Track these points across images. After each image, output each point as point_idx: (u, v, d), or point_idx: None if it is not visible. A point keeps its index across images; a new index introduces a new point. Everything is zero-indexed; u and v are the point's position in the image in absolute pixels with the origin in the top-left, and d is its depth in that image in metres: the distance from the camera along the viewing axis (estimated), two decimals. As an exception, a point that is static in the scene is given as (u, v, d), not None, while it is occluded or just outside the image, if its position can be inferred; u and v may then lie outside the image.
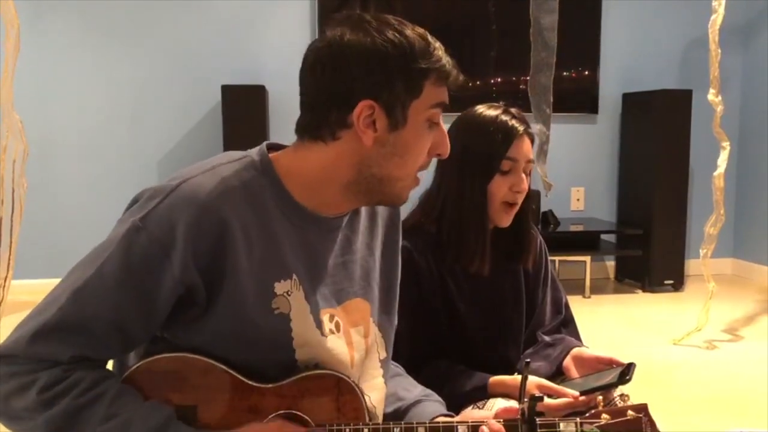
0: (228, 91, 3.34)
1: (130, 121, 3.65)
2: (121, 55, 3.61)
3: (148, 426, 0.79)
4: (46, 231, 3.52)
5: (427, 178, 1.05)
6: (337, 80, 0.82)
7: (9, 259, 2.37)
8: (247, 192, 0.84)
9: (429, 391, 1.06)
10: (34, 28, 3.38)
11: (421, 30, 0.85)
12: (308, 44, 0.87)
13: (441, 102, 0.86)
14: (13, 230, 2.37)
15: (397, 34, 0.82)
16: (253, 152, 0.89)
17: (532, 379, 1.15)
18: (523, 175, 1.24)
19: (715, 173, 2.92)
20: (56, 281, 0.84)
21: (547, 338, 1.33)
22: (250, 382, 0.84)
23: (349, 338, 0.93)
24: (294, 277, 0.86)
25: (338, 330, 0.91)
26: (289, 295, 0.85)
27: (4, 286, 2.36)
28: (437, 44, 0.85)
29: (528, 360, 1.00)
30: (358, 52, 0.81)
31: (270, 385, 0.85)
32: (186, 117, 3.68)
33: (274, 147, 0.92)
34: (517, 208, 1.26)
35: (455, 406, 1.17)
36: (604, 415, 0.90)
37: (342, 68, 0.82)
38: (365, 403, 0.89)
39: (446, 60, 0.85)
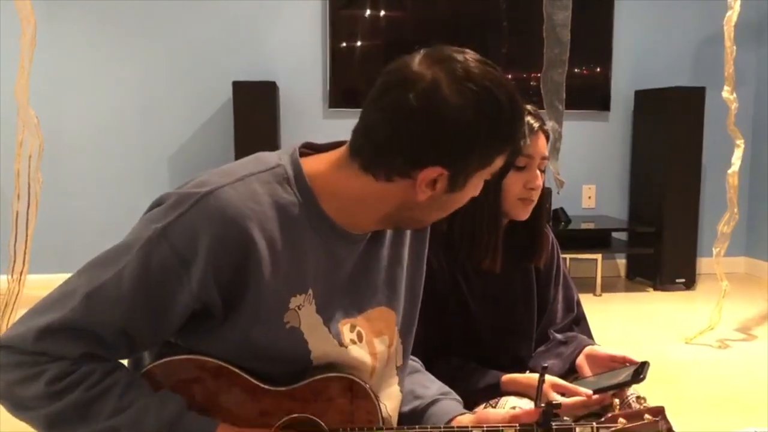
0: (239, 87, 3.35)
1: (142, 118, 3.67)
2: (133, 51, 3.63)
3: (162, 419, 0.78)
4: (58, 226, 3.56)
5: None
6: (419, 136, 0.78)
7: (25, 254, 2.40)
8: (277, 207, 0.81)
9: (447, 389, 1.05)
10: (47, 25, 3.40)
11: (511, 88, 0.80)
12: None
13: (499, 169, 0.85)
14: (29, 225, 2.40)
15: (490, 98, 0.78)
16: (286, 160, 0.85)
17: (546, 378, 1.15)
18: (538, 172, 1.24)
19: (729, 171, 2.90)
20: (68, 276, 0.83)
21: (559, 336, 1.33)
22: (262, 385, 0.84)
23: (373, 348, 0.92)
24: (309, 291, 0.85)
25: (360, 340, 0.90)
26: (300, 309, 0.84)
27: (20, 280, 2.38)
28: (522, 113, 0.83)
29: (545, 365, 1.00)
30: (449, 116, 0.77)
31: (283, 388, 0.85)
32: (197, 113, 3.69)
33: (308, 147, 0.88)
34: (534, 203, 1.26)
35: (468, 404, 1.17)
36: (620, 420, 0.89)
37: (429, 127, 0.77)
38: (380, 408, 0.88)
39: (525, 133, 0.84)
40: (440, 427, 0.90)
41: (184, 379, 0.84)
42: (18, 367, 0.79)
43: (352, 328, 0.89)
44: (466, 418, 0.96)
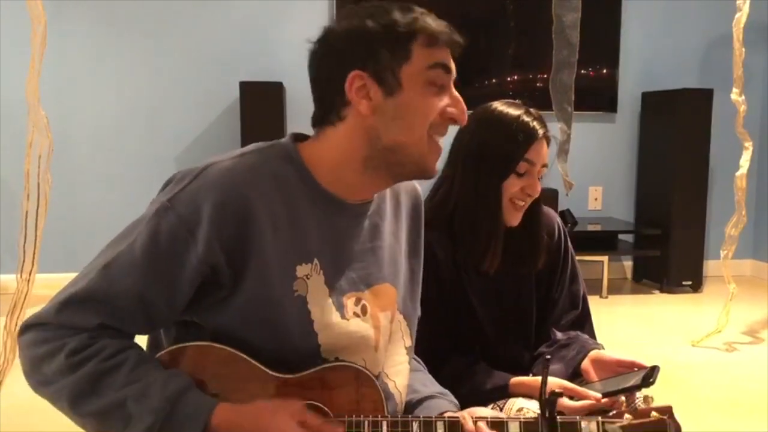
0: (246, 87, 3.37)
1: (150, 118, 3.69)
2: (141, 52, 3.65)
3: (166, 393, 0.81)
4: (67, 226, 3.57)
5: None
6: (327, 64, 0.88)
7: (34, 253, 2.41)
8: (275, 177, 0.87)
9: (446, 391, 1.06)
10: (57, 25, 3.42)
11: (404, 2, 0.88)
12: None
13: (438, 63, 0.86)
14: (38, 225, 2.41)
15: (377, 9, 0.87)
16: (281, 141, 0.92)
17: (555, 381, 1.15)
18: (537, 179, 1.23)
19: (737, 173, 2.89)
20: (76, 275, 0.88)
21: (560, 335, 1.32)
22: (271, 373, 0.86)
23: (377, 322, 0.94)
24: (315, 261, 0.88)
25: (364, 313, 0.92)
26: (308, 279, 0.87)
27: (29, 280, 2.39)
28: (421, 10, 0.88)
29: (548, 356, 1.00)
30: (340, 33, 0.87)
31: (291, 376, 0.86)
32: (204, 113, 3.71)
33: (300, 137, 0.95)
34: (524, 208, 1.25)
35: (475, 404, 1.17)
36: (626, 416, 0.89)
37: (330, 51, 0.88)
38: (384, 391, 0.90)
39: (433, 21, 0.86)
40: (444, 418, 0.90)
41: (194, 366, 0.86)
42: (43, 343, 0.83)
43: (358, 301, 0.92)
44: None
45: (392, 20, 0.85)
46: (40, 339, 0.84)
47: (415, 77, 0.85)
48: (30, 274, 2.39)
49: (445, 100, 0.87)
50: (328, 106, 0.88)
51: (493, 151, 1.21)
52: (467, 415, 0.90)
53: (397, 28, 0.85)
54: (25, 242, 2.38)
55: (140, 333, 0.89)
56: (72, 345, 0.82)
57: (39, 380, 0.84)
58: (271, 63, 3.68)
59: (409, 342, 1.01)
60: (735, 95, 2.86)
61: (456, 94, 0.89)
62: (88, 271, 0.85)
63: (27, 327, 0.86)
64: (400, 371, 0.99)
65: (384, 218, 0.98)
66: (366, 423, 0.87)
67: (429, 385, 1.07)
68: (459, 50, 0.88)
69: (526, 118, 1.22)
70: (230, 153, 0.89)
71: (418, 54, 0.85)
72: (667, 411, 0.90)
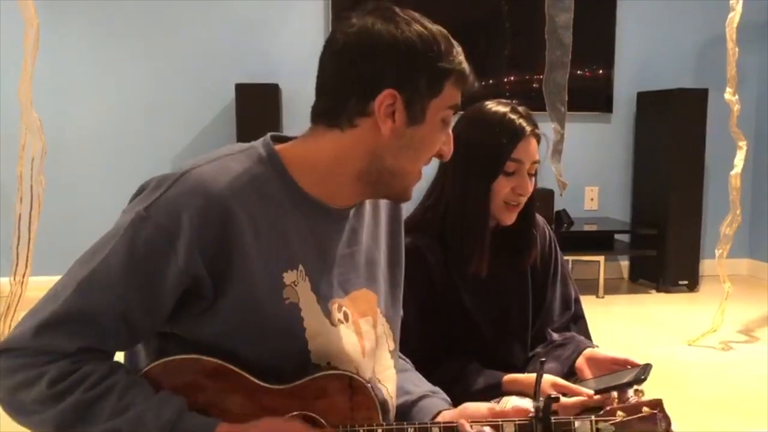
0: (242, 89, 3.36)
1: (144, 120, 3.68)
2: (136, 53, 3.64)
3: (162, 420, 0.78)
4: (61, 228, 3.56)
5: (428, 173, 1.05)
6: (364, 67, 0.83)
7: (27, 256, 2.40)
8: (254, 182, 0.84)
9: (436, 389, 1.06)
10: (50, 27, 3.41)
11: (444, 30, 0.87)
12: (327, 35, 0.89)
13: (456, 104, 0.88)
14: (31, 227, 2.40)
15: (425, 31, 0.84)
16: (258, 144, 0.89)
17: (547, 378, 1.14)
18: (527, 177, 1.22)
19: (732, 173, 2.90)
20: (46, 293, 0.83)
21: (556, 336, 1.32)
22: (262, 384, 0.84)
23: (359, 328, 0.93)
24: (300, 267, 0.86)
25: (347, 320, 0.91)
26: (296, 286, 0.85)
27: (22, 283, 2.39)
28: (459, 48, 0.87)
29: (543, 359, 1.00)
30: (388, 42, 0.82)
31: (282, 386, 0.85)
32: (200, 115, 3.70)
33: (278, 139, 0.92)
34: (519, 208, 1.24)
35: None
36: (619, 413, 0.89)
37: (371, 56, 0.83)
38: (378, 398, 0.89)
39: (466, 63, 0.87)
40: (440, 423, 0.90)
41: (183, 380, 0.83)
42: (19, 371, 0.79)
43: (339, 308, 0.91)
44: (450, 413, 0.97)
45: (439, 51, 0.83)
46: (16, 366, 0.78)
47: (437, 113, 0.86)
48: (24, 277, 2.39)
49: (443, 137, 0.89)
50: (343, 107, 0.84)
51: (479, 152, 1.20)
52: (464, 421, 0.89)
53: (441, 63, 0.84)
54: (18, 244, 2.37)
55: (122, 350, 0.86)
56: (53, 373, 0.77)
57: (18, 409, 0.80)
58: (267, 65, 3.68)
59: (393, 345, 1.00)
60: (728, 95, 2.87)
61: (450, 132, 0.90)
62: (62, 289, 0.80)
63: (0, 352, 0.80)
64: (390, 376, 0.98)
65: (362, 221, 0.96)
66: (361, 431, 0.85)
67: (419, 384, 1.06)
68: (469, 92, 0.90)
69: (511, 116, 1.20)
70: (206, 156, 0.85)
71: (447, 92, 0.85)
72: (657, 405, 0.90)
